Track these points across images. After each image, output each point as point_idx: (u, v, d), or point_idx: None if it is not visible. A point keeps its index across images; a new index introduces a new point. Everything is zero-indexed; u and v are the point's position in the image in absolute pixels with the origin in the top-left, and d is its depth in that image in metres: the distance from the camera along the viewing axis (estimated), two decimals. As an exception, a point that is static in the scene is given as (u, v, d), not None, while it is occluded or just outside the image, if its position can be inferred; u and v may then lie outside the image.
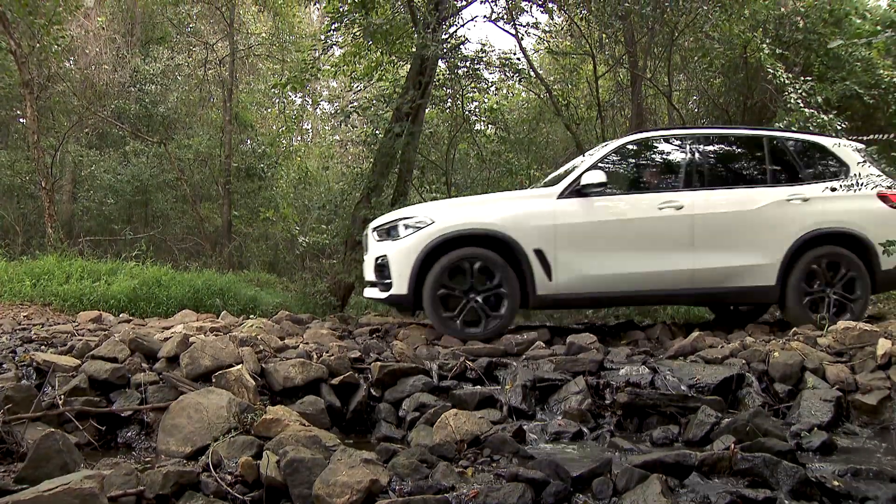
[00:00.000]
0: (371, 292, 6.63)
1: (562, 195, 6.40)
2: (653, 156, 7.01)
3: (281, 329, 6.06)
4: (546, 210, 6.35)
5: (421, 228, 6.26)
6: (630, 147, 6.88)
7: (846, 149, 7.00)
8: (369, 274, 6.63)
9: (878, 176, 6.77)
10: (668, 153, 6.98)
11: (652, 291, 6.49)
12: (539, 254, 6.24)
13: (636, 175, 6.91)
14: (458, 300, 6.22)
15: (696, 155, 6.77)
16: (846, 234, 6.58)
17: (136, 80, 17.31)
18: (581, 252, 6.29)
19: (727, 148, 7.04)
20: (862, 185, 6.49)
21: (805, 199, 6.60)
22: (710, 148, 6.90)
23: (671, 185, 6.72)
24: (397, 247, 6.30)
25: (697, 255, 6.41)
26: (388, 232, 6.47)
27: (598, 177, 6.32)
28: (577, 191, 6.39)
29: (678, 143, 6.91)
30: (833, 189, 6.56)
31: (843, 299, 6.54)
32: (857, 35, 10.71)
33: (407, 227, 6.35)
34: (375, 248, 6.51)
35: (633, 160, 6.92)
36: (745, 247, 6.48)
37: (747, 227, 6.50)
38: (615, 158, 6.79)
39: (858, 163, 6.81)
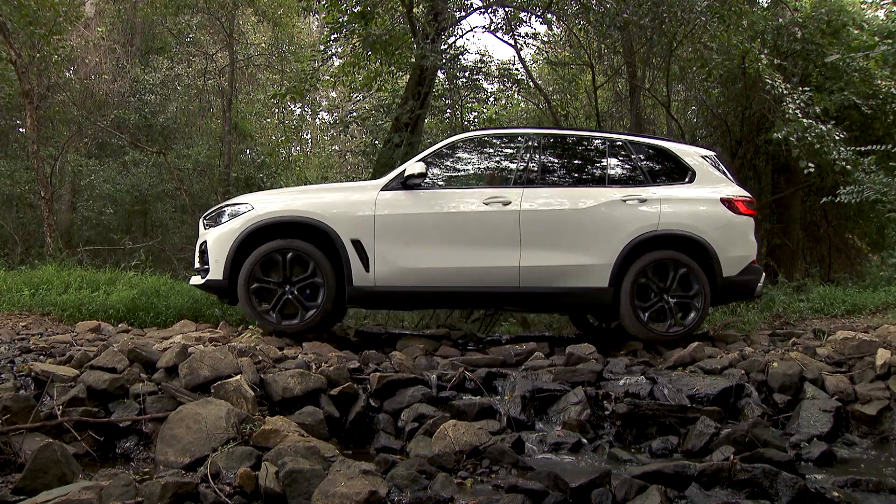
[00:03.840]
0: (194, 280, 6.53)
1: (386, 187, 6.30)
2: (486, 153, 6.91)
3: (280, 339, 6.05)
4: (367, 200, 6.23)
5: (240, 215, 6.22)
6: (463, 143, 6.79)
7: (691, 153, 6.88)
8: (196, 262, 6.57)
9: (724, 181, 6.71)
10: (503, 151, 6.89)
11: (476, 288, 6.28)
12: (357, 244, 6.12)
13: (467, 170, 6.83)
14: (273, 290, 6.13)
15: (532, 154, 6.62)
16: (685, 237, 6.37)
17: (136, 89, 17.35)
18: (401, 244, 6.15)
19: (566, 148, 6.92)
20: (704, 188, 6.47)
21: (642, 201, 6.40)
22: (548, 148, 6.76)
23: (502, 181, 6.60)
24: (216, 233, 6.25)
25: (524, 252, 6.21)
26: (215, 219, 6.42)
27: (420, 168, 6.23)
28: (402, 183, 6.28)
29: (514, 141, 6.83)
30: (672, 192, 6.50)
31: (681, 306, 6.33)
32: (854, 47, 10.77)
33: (229, 214, 6.31)
34: (202, 235, 6.47)
35: (466, 156, 6.83)
36: (575, 246, 6.27)
37: (578, 226, 6.30)
38: (447, 154, 6.69)
39: (703, 167, 6.73)
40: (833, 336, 5.77)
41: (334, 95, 23.22)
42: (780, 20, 11.64)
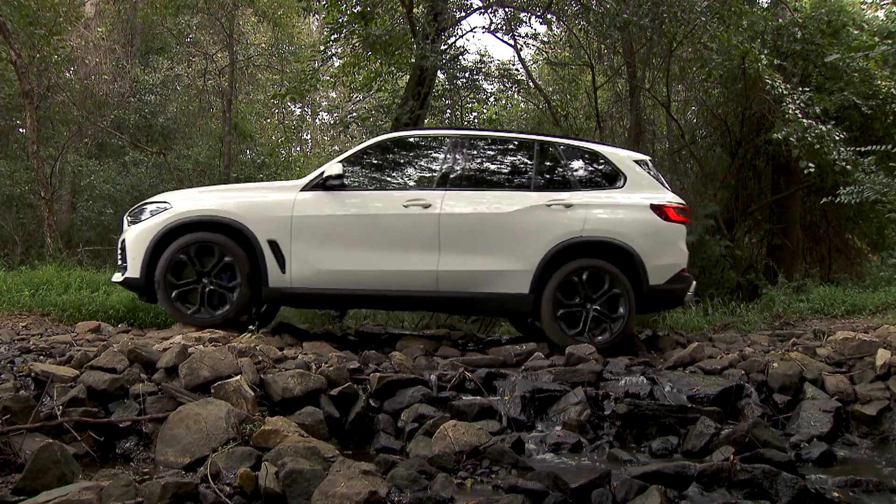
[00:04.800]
0: (115, 276, 6.51)
1: (305, 188, 6.25)
2: (410, 154, 6.85)
3: (280, 340, 6.05)
4: (285, 201, 6.18)
5: (159, 213, 6.20)
6: (385, 145, 6.71)
7: (624, 157, 6.73)
8: (119, 259, 6.54)
9: (657, 187, 6.58)
10: (427, 152, 6.81)
11: (394, 292, 6.20)
12: (273, 245, 6.08)
13: (390, 172, 6.75)
14: (190, 285, 6.12)
15: (457, 156, 6.51)
16: (610, 244, 6.23)
17: (136, 90, 17.35)
18: (317, 246, 6.11)
19: (492, 151, 6.77)
20: (634, 194, 6.37)
21: (568, 206, 6.26)
22: (474, 150, 6.65)
23: (424, 183, 6.49)
24: (135, 230, 6.22)
25: (443, 256, 6.12)
26: (136, 216, 6.38)
27: (338, 169, 6.19)
28: (321, 184, 6.22)
29: (438, 143, 6.71)
30: (599, 197, 6.40)
31: (605, 314, 6.16)
32: (854, 48, 10.77)
33: (149, 211, 6.28)
34: (124, 232, 6.45)
35: (390, 157, 6.76)
36: (496, 251, 6.15)
37: (499, 231, 6.18)
38: (371, 155, 6.63)
39: (636, 172, 6.60)
40: (833, 336, 5.77)
41: (334, 96, 23.23)
42: (780, 20, 11.65)
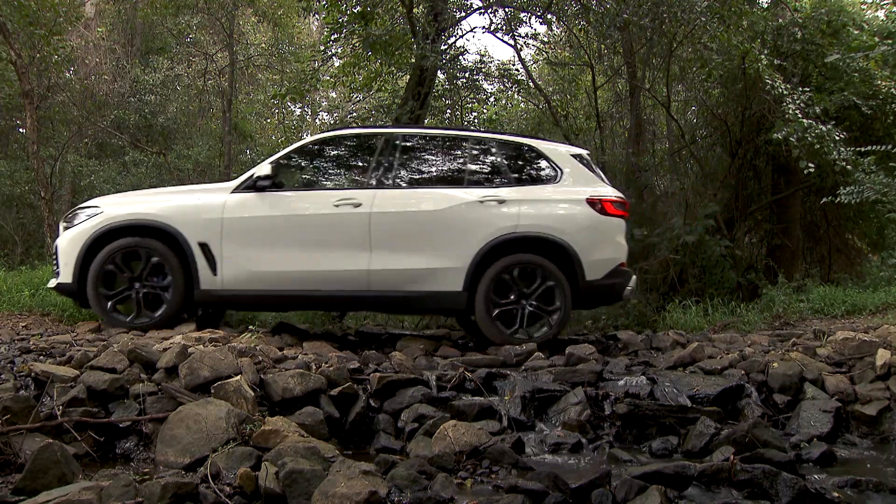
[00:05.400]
0: (51, 282, 6.49)
1: (236, 189, 6.25)
2: (343, 153, 6.84)
3: (280, 340, 6.05)
4: (216, 203, 6.17)
5: (90, 218, 6.19)
6: (317, 145, 6.72)
7: (561, 152, 6.68)
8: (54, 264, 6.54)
9: (595, 181, 6.53)
10: (359, 151, 6.79)
11: (325, 292, 6.18)
12: (204, 247, 6.07)
13: (320, 172, 6.77)
14: (122, 290, 6.11)
15: (389, 154, 6.48)
16: (545, 240, 6.18)
17: (136, 90, 17.36)
18: (249, 248, 6.09)
19: (425, 148, 6.77)
20: (570, 188, 6.33)
21: (501, 202, 6.22)
22: (407, 148, 6.61)
23: (356, 182, 6.51)
24: (68, 235, 6.21)
25: (375, 255, 6.10)
26: (71, 220, 6.37)
27: (267, 170, 6.19)
28: (252, 185, 6.22)
29: (370, 141, 6.69)
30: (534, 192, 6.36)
31: (541, 310, 6.14)
32: (854, 48, 10.76)
33: (82, 216, 6.27)
34: (59, 236, 6.43)
35: (322, 157, 6.76)
36: (428, 249, 6.12)
37: (431, 228, 6.14)
38: (303, 155, 6.64)
39: (572, 166, 6.55)
40: (833, 336, 5.77)
41: (334, 96, 23.22)
42: (780, 20, 11.64)
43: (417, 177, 6.59)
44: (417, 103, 11.22)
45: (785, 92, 9.98)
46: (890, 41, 10.49)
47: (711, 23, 10.36)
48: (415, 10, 11.94)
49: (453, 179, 6.56)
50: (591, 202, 6.33)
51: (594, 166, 6.79)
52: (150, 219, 6.14)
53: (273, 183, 6.22)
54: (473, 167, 6.57)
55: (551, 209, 6.29)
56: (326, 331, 7.72)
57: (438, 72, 12.18)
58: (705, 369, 5.23)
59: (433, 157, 6.75)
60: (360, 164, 6.70)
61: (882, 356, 5.03)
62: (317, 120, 25.17)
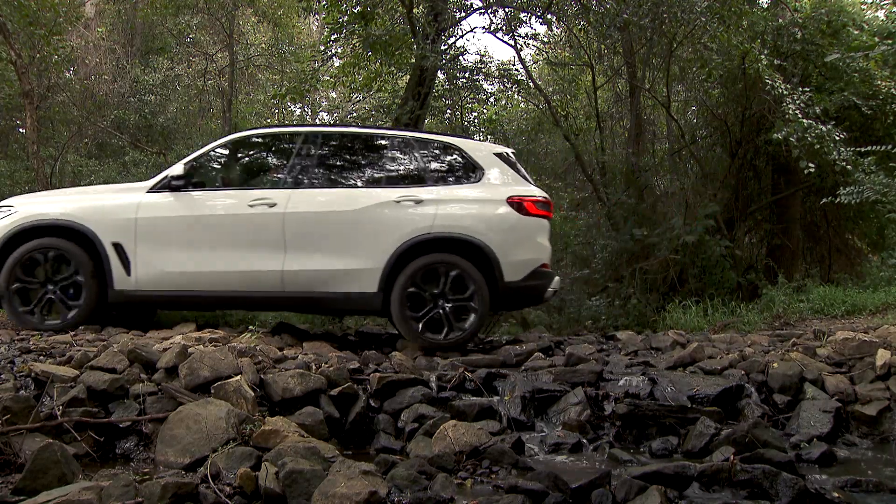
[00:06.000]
0: None
1: (152, 189, 6.16)
2: (260, 153, 6.78)
3: (280, 340, 6.05)
4: (130, 204, 6.09)
5: (4, 218, 6.12)
6: (233, 144, 6.64)
7: (483, 150, 6.55)
8: None
9: (517, 180, 6.40)
10: (276, 151, 6.74)
11: (240, 293, 6.09)
12: (118, 247, 5.99)
13: (236, 172, 6.67)
14: (35, 290, 6.02)
15: (305, 153, 6.38)
16: (462, 240, 6.04)
17: (136, 90, 17.34)
18: (163, 248, 6.01)
19: (343, 147, 6.66)
20: (490, 188, 6.22)
21: (418, 202, 6.10)
22: (324, 147, 6.48)
23: (272, 182, 6.44)
24: None
25: (289, 255, 6.00)
26: None
27: (180, 170, 6.12)
28: (167, 185, 6.14)
29: (287, 140, 6.61)
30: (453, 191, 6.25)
31: (458, 311, 5.99)
32: (854, 48, 10.76)
33: None
34: None
35: (236, 157, 6.67)
36: (343, 250, 6.02)
37: (346, 229, 6.04)
38: (219, 154, 6.54)
39: (495, 165, 6.42)
40: (833, 336, 5.77)
41: (334, 96, 23.23)
42: (780, 21, 11.63)
43: (335, 176, 6.48)
44: (417, 103, 11.22)
45: (785, 92, 9.98)
46: (890, 41, 10.47)
47: (711, 23, 10.36)
48: (415, 10, 11.94)
49: (371, 179, 6.47)
50: (512, 202, 6.19)
51: (519, 165, 6.67)
52: (64, 219, 6.06)
53: (187, 183, 6.15)
54: (392, 166, 6.47)
55: (469, 209, 6.16)
56: (326, 331, 7.71)
57: (438, 72, 12.17)
58: (705, 369, 5.24)
59: (351, 156, 6.65)
60: (277, 163, 6.60)
61: (882, 356, 5.03)
62: (317, 120, 25.20)
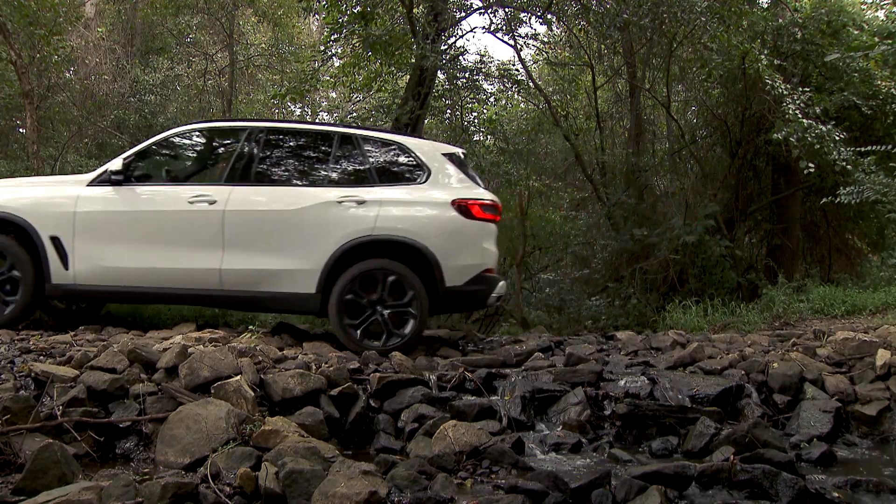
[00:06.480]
0: None
1: (91, 183, 6.07)
2: (199, 149, 6.68)
3: (280, 340, 6.05)
4: (69, 197, 6.00)
5: None
6: (176, 139, 6.54)
7: (430, 151, 6.40)
8: None
9: (465, 182, 6.28)
10: (220, 146, 6.65)
11: (178, 290, 5.99)
12: (55, 241, 5.91)
13: (178, 167, 6.59)
14: None
15: (249, 149, 6.22)
16: (402, 243, 5.92)
17: (136, 90, 17.35)
18: (101, 243, 5.92)
19: (288, 144, 6.52)
20: (436, 190, 6.11)
21: (360, 202, 5.96)
22: (268, 143, 6.35)
23: (214, 178, 6.34)
24: None
25: (228, 254, 5.90)
26: None
27: (118, 164, 6.02)
28: (108, 179, 6.03)
29: (232, 136, 6.52)
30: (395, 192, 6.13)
31: (397, 315, 5.88)
32: (854, 47, 10.76)
33: None
34: None
35: (178, 153, 6.62)
36: (281, 249, 5.90)
37: (285, 228, 5.93)
38: (159, 150, 6.45)
39: (442, 167, 6.30)
40: (833, 336, 5.77)
41: (334, 96, 23.23)
42: (780, 20, 11.63)
43: (277, 174, 6.36)
44: (417, 103, 11.22)
45: (785, 92, 9.98)
46: (890, 41, 10.48)
47: (711, 23, 10.36)
48: (415, 10, 11.93)
49: (314, 177, 6.34)
50: (457, 205, 6.05)
51: (468, 167, 6.58)
52: (1, 211, 6.00)
53: (127, 177, 6.07)
54: (337, 165, 6.35)
55: (412, 211, 6.04)
56: (326, 331, 7.71)
57: (438, 72, 12.16)
58: (705, 369, 5.24)
59: (296, 154, 6.54)
60: (220, 159, 6.51)
61: (882, 356, 5.04)
62: (317, 120, 25.21)
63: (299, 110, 22.59)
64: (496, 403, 4.67)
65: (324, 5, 12.14)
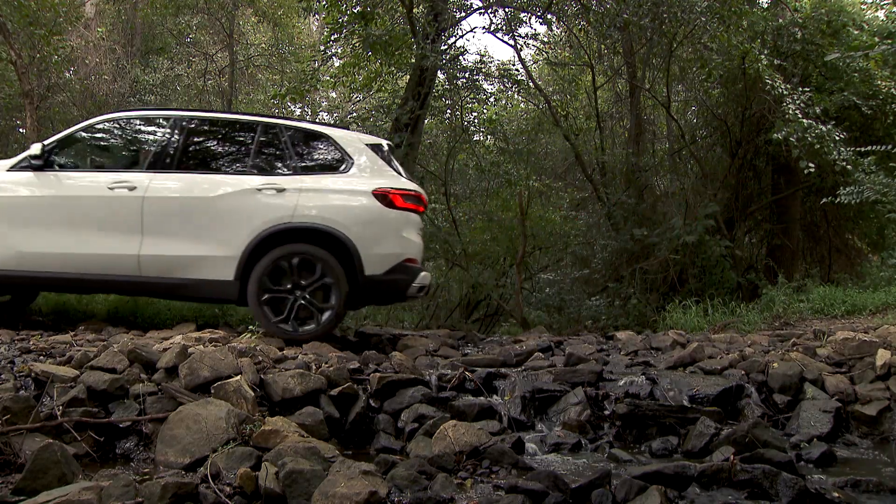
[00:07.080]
0: None
1: (12, 168, 6.08)
2: (122, 136, 6.65)
3: (280, 340, 6.05)
4: None
5: None
6: (102, 125, 6.52)
7: (352, 141, 6.45)
8: None
9: (388, 172, 6.32)
10: (143, 134, 6.58)
11: (98, 276, 5.97)
12: None
13: (99, 154, 6.57)
14: None
15: (171, 138, 6.26)
16: (321, 231, 5.94)
17: (136, 90, 17.37)
18: (19, 228, 5.91)
19: (210, 133, 6.57)
20: (357, 179, 6.14)
21: (280, 190, 6.01)
22: (191, 131, 6.38)
23: (135, 165, 6.32)
24: None
25: (146, 240, 5.91)
26: None
27: (37, 149, 6.00)
28: (28, 165, 6.03)
29: (155, 124, 6.51)
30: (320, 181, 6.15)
31: (314, 304, 5.89)
32: (854, 47, 10.76)
33: None
34: None
35: (100, 140, 6.59)
36: (199, 236, 5.93)
37: (204, 216, 5.95)
38: (82, 137, 6.42)
39: (365, 157, 6.33)
40: (833, 336, 5.77)
41: (334, 96, 23.22)
42: (780, 20, 11.64)
43: (198, 162, 6.39)
44: (417, 103, 11.22)
45: (785, 92, 9.99)
46: (890, 41, 10.47)
47: (711, 23, 10.37)
48: (415, 10, 11.94)
49: (235, 166, 6.36)
50: (378, 194, 6.10)
51: (392, 158, 6.62)
52: None
53: (48, 163, 6.08)
54: (258, 153, 6.37)
55: (332, 200, 6.08)
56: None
57: (438, 72, 12.17)
58: (705, 369, 5.24)
59: (217, 143, 6.57)
60: (141, 147, 6.52)
61: (882, 356, 5.03)
62: (317, 120, 25.21)
63: (299, 110, 22.58)
64: (496, 403, 4.67)
65: (324, 5, 12.14)
